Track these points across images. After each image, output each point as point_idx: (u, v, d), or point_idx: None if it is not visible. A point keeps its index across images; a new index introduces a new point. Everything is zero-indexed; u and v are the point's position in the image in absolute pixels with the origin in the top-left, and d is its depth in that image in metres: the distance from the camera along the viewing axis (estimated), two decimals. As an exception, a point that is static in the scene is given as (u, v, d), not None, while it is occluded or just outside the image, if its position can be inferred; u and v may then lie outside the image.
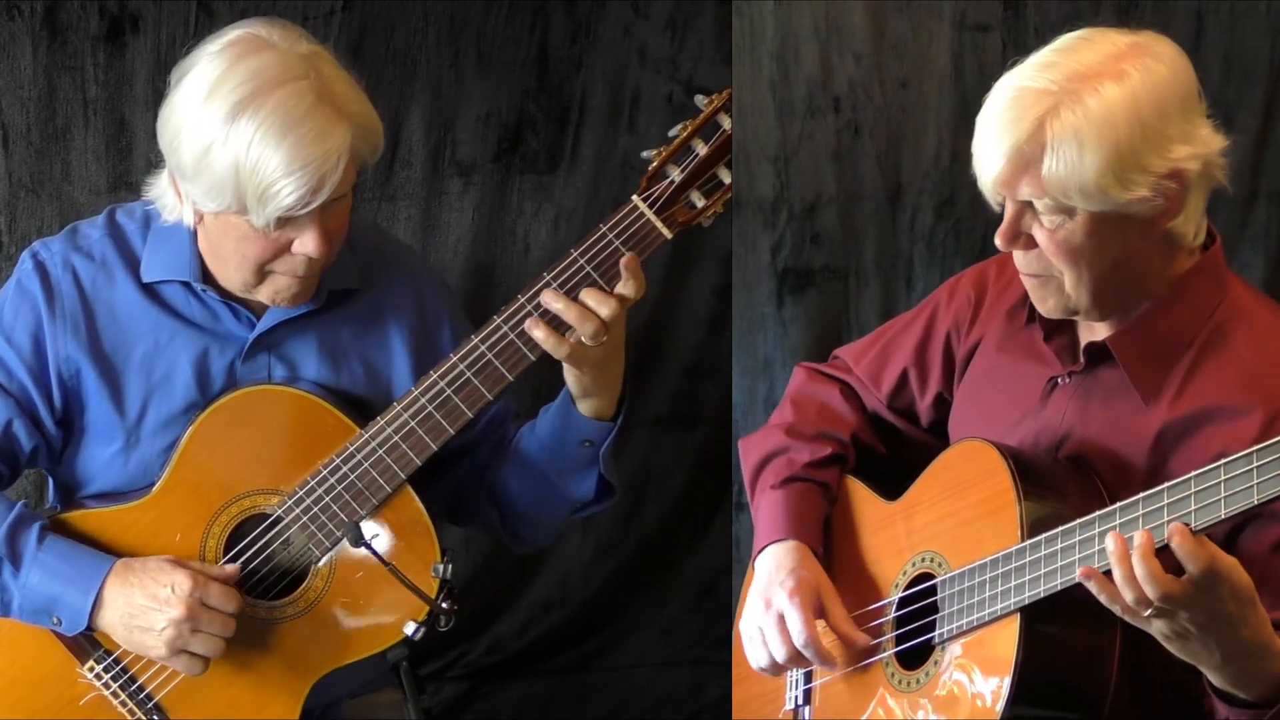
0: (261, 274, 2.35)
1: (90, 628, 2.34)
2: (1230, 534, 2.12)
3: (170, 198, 2.38)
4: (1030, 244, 2.19)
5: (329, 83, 2.29)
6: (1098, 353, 2.26)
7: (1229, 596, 1.97)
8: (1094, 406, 2.27)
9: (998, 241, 2.20)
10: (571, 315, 2.31)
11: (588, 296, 2.31)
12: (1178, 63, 2.16)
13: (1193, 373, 2.20)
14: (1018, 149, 2.12)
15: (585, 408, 2.42)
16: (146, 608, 2.30)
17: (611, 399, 2.42)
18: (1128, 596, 1.98)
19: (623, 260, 2.32)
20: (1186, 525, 1.97)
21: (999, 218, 3.53)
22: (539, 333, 2.32)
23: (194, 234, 2.42)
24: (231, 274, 2.38)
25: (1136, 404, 2.22)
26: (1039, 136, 2.11)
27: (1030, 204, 2.16)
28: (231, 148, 2.23)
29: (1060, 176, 2.11)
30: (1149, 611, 1.98)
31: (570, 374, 2.37)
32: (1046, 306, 2.25)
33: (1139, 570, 1.96)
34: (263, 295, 2.38)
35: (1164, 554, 1.98)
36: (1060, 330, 2.33)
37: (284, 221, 2.28)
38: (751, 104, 3.47)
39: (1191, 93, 2.16)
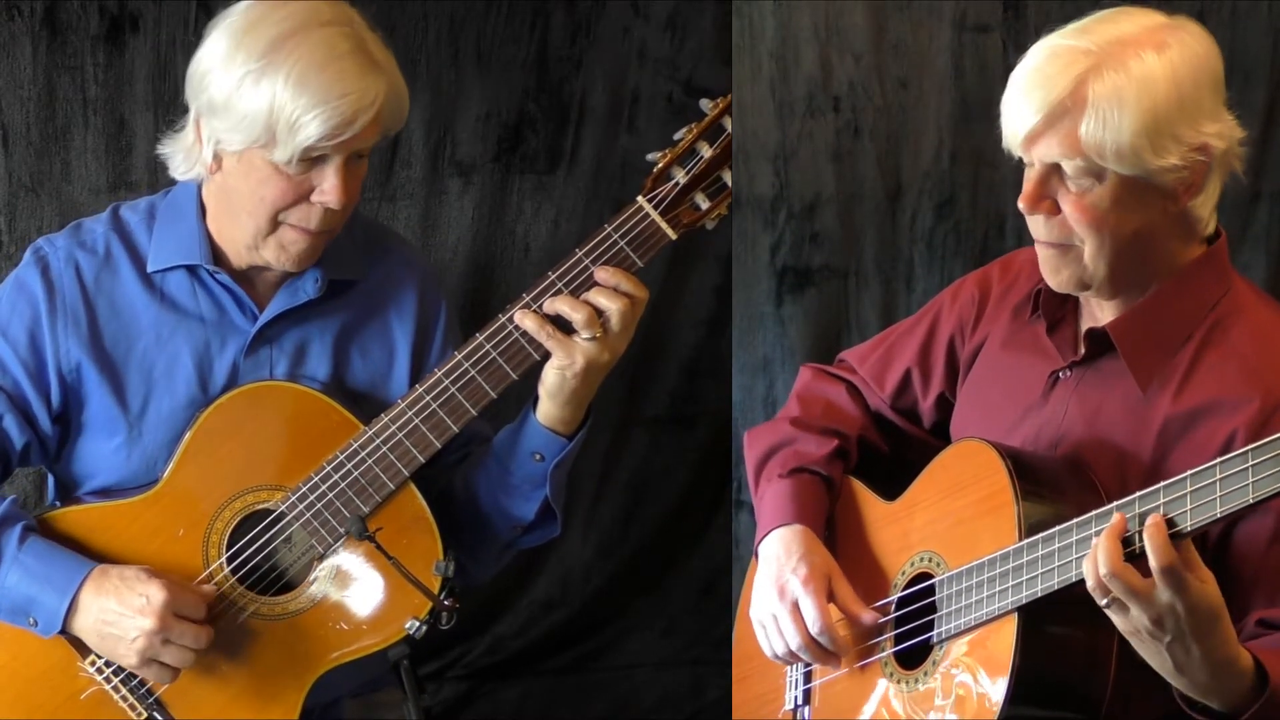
0: (274, 224, 2.35)
1: (64, 631, 2.33)
2: (1226, 529, 2.12)
3: (189, 142, 2.39)
4: (1054, 209, 2.18)
5: (365, 38, 2.34)
6: (1098, 340, 2.26)
7: (1186, 609, 1.95)
8: (1095, 399, 2.27)
9: (1021, 204, 2.19)
10: (564, 306, 2.33)
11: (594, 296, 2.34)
12: (1210, 46, 2.17)
13: (1194, 366, 2.20)
14: (1057, 103, 2.11)
15: (547, 412, 2.40)
16: (120, 615, 2.30)
17: (574, 414, 2.41)
18: (1087, 576, 1.99)
19: (598, 274, 2.33)
20: (1164, 518, 1.97)
21: (999, 218, 3.56)
22: (529, 323, 2.33)
23: (202, 215, 2.43)
24: (244, 223, 2.38)
25: (1136, 395, 2.22)
26: (1080, 92, 2.11)
27: (1057, 167, 2.15)
28: (268, 79, 2.27)
29: (1098, 135, 2.10)
30: (1105, 600, 1.98)
31: (552, 370, 2.36)
32: (1061, 279, 2.23)
33: (1101, 548, 1.97)
34: (269, 251, 2.38)
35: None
36: (1063, 323, 2.33)
37: (308, 162, 2.30)
38: (751, 104, 3.47)
39: (1220, 78, 2.17)
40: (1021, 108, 2.14)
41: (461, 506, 2.49)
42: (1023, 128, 2.14)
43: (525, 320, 2.34)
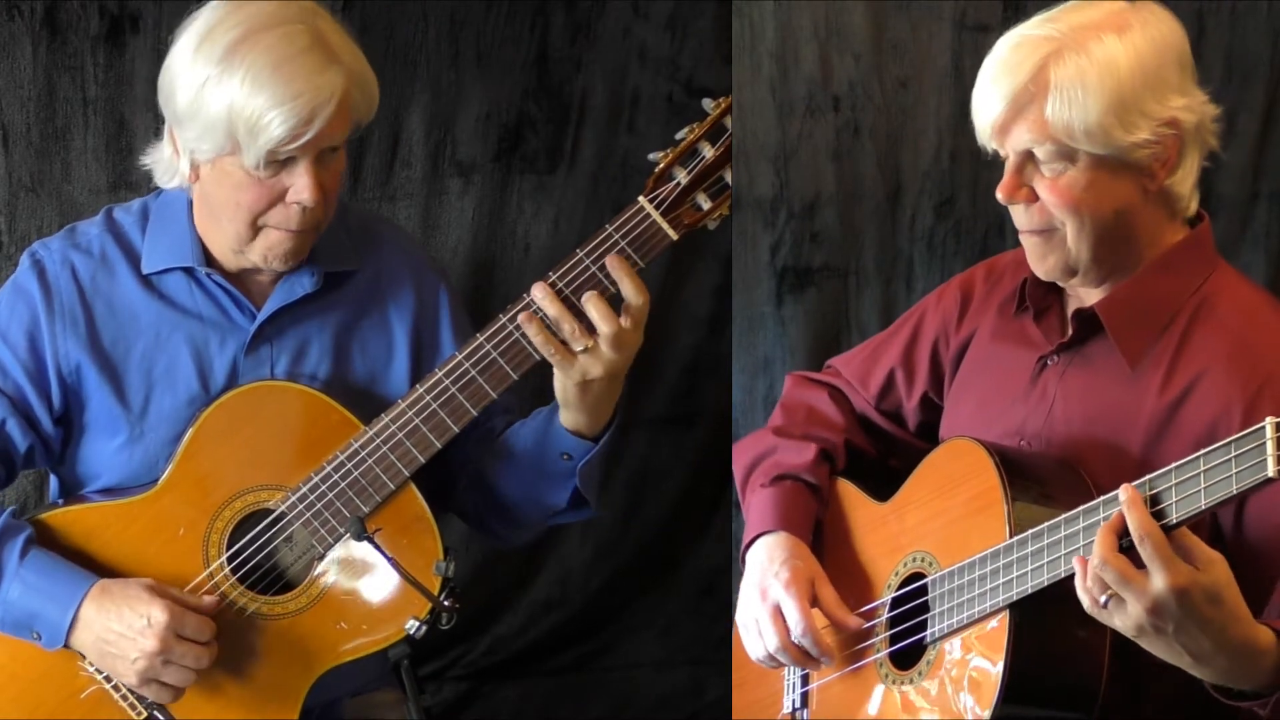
0: (255, 227, 2.36)
1: (65, 645, 2.33)
2: (1238, 508, 2.13)
3: (168, 154, 2.40)
4: (1031, 197, 2.20)
5: (324, 31, 2.33)
6: (1086, 321, 2.27)
7: (1177, 592, 1.93)
8: (1083, 381, 2.28)
9: (999, 195, 2.21)
10: (553, 311, 2.31)
11: (588, 304, 2.32)
12: (1174, 25, 2.20)
13: (1183, 345, 2.21)
14: (1021, 90, 2.15)
15: (566, 419, 2.41)
16: (121, 635, 2.29)
17: (595, 420, 2.40)
18: (1087, 583, 1.98)
19: (609, 261, 2.32)
20: (1146, 495, 1.97)
21: (999, 218, 3.56)
22: (532, 328, 2.32)
23: (193, 216, 2.44)
24: (226, 229, 2.38)
25: (1126, 375, 2.23)
26: (1042, 77, 2.14)
27: (1031, 155, 2.18)
28: (225, 84, 2.26)
29: (1064, 117, 2.13)
30: (1105, 597, 1.97)
31: (556, 379, 2.36)
32: (1047, 265, 2.25)
33: (1096, 540, 1.97)
34: (254, 254, 2.38)
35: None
36: (1049, 310, 2.34)
37: (277, 164, 2.30)
38: (751, 104, 3.47)
39: (1187, 57, 2.20)
40: (989, 98, 2.18)
41: (493, 489, 2.50)
42: (991, 117, 2.17)
43: (530, 327, 2.34)
